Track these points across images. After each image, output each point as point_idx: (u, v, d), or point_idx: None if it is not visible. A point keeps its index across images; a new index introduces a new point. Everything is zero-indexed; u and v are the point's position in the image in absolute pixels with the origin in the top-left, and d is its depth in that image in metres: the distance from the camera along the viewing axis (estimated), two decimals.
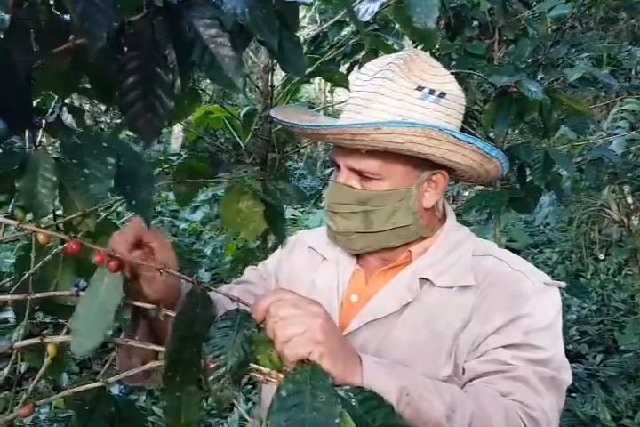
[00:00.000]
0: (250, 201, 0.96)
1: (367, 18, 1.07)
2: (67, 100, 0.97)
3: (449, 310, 0.84)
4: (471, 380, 0.79)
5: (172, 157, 1.23)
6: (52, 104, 0.97)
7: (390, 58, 0.85)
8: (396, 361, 0.79)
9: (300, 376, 0.55)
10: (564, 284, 0.86)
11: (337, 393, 0.52)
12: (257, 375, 0.58)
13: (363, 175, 0.84)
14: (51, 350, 0.60)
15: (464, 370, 0.81)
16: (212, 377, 0.55)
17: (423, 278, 0.87)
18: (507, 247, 0.96)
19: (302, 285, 0.97)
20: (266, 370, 0.58)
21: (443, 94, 0.83)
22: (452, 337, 0.82)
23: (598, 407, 2.66)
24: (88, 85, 0.73)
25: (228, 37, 0.55)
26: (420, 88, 0.82)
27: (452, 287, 0.85)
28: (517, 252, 0.90)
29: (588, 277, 4.36)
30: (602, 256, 4.44)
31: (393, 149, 0.79)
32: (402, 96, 0.82)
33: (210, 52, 0.55)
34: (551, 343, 0.81)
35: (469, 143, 0.79)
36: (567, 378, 0.81)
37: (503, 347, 0.79)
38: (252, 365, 0.58)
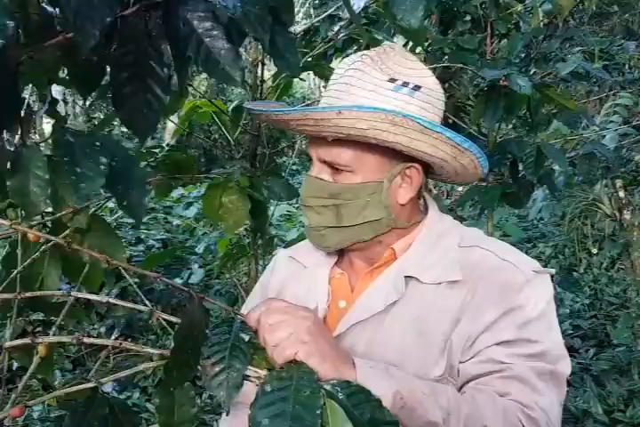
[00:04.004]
0: (233, 196, 0.96)
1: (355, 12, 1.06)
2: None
3: (437, 307, 0.81)
4: (467, 382, 0.77)
5: (154, 150, 1.21)
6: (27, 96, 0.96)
7: (364, 51, 0.84)
8: (385, 362, 0.77)
9: (286, 374, 0.55)
10: (553, 270, 0.84)
11: (321, 387, 0.52)
12: (252, 379, 0.57)
13: (334, 167, 0.83)
14: (41, 350, 0.60)
15: (459, 371, 0.79)
16: (214, 383, 0.55)
17: (409, 276, 0.84)
18: None
19: (287, 296, 0.94)
20: (261, 373, 0.58)
21: (417, 87, 0.81)
22: (443, 336, 0.80)
23: (590, 401, 2.68)
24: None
25: (223, 30, 0.54)
26: (392, 80, 0.81)
27: (439, 283, 0.82)
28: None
29: (581, 271, 4.38)
30: (594, 250, 4.46)
31: (358, 137, 0.77)
32: (373, 87, 0.80)
33: (205, 46, 0.54)
34: (546, 334, 0.78)
35: (437, 132, 0.76)
36: (566, 368, 0.79)
37: (497, 344, 0.76)
38: (249, 368, 0.58)
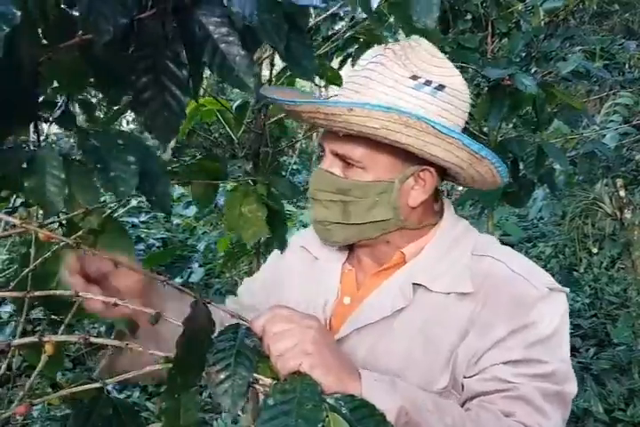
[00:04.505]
0: (252, 205, 0.96)
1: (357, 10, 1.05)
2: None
3: (445, 318, 0.79)
4: (471, 398, 0.76)
5: (184, 158, 1.21)
6: (60, 98, 0.96)
7: (389, 44, 0.81)
8: (387, 371, 0.77)
9: (290, 386, 0.54)
10: (567, 289, 0.81)
11: (324, 400, 0.52)
12: (258, 387, 0.57)
13: (346, 162, 0.81)
14: (49, 348, 0.60)
15: (463, 386, 0.77)
16: (219, 390, 0.54)
17: (417, 284, 0.82)
18: (500, 241, 0.92)
19: (296, 287, 0.94)
20: (267, 381, 0.57)
21: (441, 87, 0.77)
22: (450, 346, 0.78)
23: (591, 400, 2.68)
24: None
25: (238, 36, 0.54)
26: (414, 77, 0.77)
27: (448, 293, 0.80)
28: (511, 246, 0.87)
29: (581, 270, 4.38)
30: (595, 250, 4.46)
31: (369, 135, 0.74)
32: (393, 83, 0.77)
33: (221, 52, 0.54)
34: (554, 354, 0.76)
35: (452, 138, 0.73)
36: (572, 389, 0.77)
37: (503, 363, 0.74)
38: (255, 375, 0.57)
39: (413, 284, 0.82)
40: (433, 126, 0.72)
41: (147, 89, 0.53)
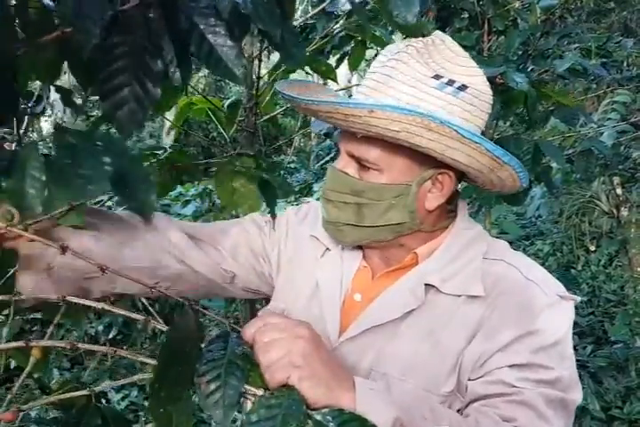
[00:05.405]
0: (242, 179, 0.94)
1: (348, 6, 1.05)
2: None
3: (455, 321, 0.78)
4: (473, 401, 0.74)
5: (157, 151, 1.20)
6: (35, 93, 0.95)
7: (411, 40, 0.77)
8: (394, 373, 0.75)
9: (275, 401, 0.53)
10: (578, 298, 0.80)
11: (310, 417, 0.51)
12: (250, 397, 0.55)
13: (361, 164, 0.78)
14: (35, 352, 0.59)
15: (466, 388, 0.75)
16: (209, 402, 0.52)
17: (429, 285, 0.80)
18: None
19: (304, 275, 0.92)
20: (259, 392, 0.56)
21: (464, 87, 0.74)
22: (456, 351, 0.76)
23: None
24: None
25: (226, 26, 0.53)
26: (437, 76, 0.74)
27: (459, 296, 0.79)
28: (509, 244, 0.87)
29: (579, 268, 4.39)
30: (592, 248, 4.46)
31: (389, 138, 0.71)
32: (415, 83, 0.74)
33: (208, 42, 0.53)
34: (560, 361, 0.75)
35: (476, 143, 0.70)
36: (577, 397, 0.76)
37: (509, 367, 0.73)
38: (245, 386, 0.56)
39: (425, 284, 0.80)
40: (456, 131, 0.69)
41: (117, 76, 0.51)
